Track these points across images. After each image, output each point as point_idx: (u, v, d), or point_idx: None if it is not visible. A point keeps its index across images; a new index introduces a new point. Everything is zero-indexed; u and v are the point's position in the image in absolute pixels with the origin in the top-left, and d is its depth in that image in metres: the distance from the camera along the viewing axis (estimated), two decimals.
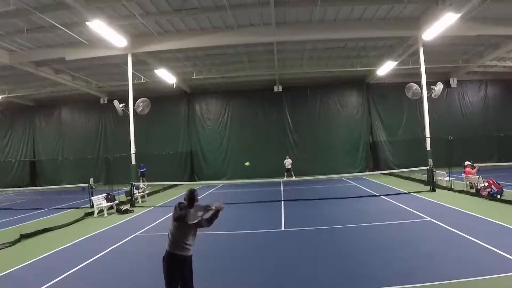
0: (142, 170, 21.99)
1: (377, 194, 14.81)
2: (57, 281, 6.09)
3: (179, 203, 4.50)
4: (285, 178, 21.90)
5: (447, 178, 15.33)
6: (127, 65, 17.24)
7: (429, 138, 16.56)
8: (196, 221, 4.30)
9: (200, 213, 4.39)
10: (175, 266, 4.28)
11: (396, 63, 20.11)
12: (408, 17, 15.87)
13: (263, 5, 14.03)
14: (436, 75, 22.99)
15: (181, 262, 4.28)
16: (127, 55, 16.91)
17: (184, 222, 4.25)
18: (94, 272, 6.63)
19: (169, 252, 4.31)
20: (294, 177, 21.93)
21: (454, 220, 9.05)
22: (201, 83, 25.05)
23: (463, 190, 13.76)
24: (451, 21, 13.10)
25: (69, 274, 6.44)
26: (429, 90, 17.06)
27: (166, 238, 4.36)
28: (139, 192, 16.39)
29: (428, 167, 15.44)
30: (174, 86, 22.92)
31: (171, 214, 4.41)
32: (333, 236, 8.52)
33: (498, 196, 11.62)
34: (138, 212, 13.51)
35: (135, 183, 15.88)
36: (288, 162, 23.07)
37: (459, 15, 12.91)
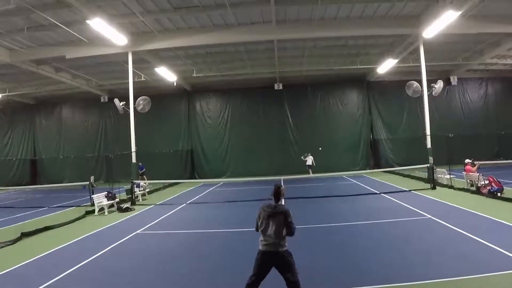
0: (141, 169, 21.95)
1: (378, 192, 14.82)
2: (58, 279, 6.10)
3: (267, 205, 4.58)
4: (310, 174, 22.46)
5: (448, 176, 15.31)
6: (127, 63, 17.26)
7: (429, 136, 16.55)
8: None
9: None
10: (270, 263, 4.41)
11: (396, 61, 20.09)
12: (409, 15, 15.86)
13: (263, 3, 14.03)
14: (437, 73, 23.01)
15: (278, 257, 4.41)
16: (127, 53, 16.94)
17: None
18: (95, 270, 6.64)
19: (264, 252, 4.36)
20: (311, 174, 22.45)
21: (455, 218, 9.05)
22: (202, 81, 25.04)
23: (464, 188, 13.76)
24: (452, 19, 13.11)
25: (70, 272, 6.45)
26: (430, 88, 17.05)
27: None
28: (139, 190, 16.42)
29: (428, 165, 15.47)
30: (175, 84, 22.93)
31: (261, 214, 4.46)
32: (333, 233, 8.52)
33: (499, 194, 11.62)
34: (138, 210, 13.52)
35: (135, 181, 15.92)
36: (309, 159, 23.16)
37: (459, 13, 12.93)
